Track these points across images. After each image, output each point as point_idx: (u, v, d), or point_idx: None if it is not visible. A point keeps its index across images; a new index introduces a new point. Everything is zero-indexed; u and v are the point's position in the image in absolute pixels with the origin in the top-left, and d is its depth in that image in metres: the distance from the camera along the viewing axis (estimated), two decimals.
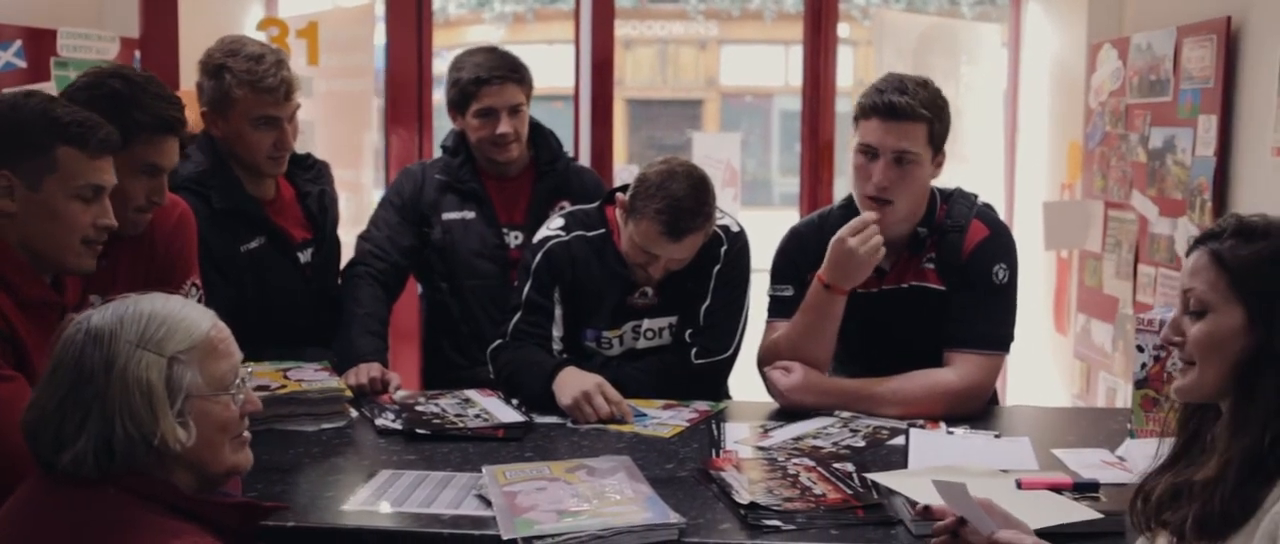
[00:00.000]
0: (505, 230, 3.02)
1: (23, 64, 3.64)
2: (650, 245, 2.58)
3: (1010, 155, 4.98)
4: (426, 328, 3.18)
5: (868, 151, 2.52)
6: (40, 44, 3.68)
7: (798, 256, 2.66)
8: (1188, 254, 1.63)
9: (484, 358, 2.78)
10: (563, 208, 3.00)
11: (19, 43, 3.64)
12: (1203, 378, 1.58)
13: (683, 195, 2.54)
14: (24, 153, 1.93)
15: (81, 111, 1.99)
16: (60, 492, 1.49)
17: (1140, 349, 2.35)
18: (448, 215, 3.01)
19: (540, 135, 3.10)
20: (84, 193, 1.97)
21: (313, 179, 2.93)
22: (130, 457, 1.48)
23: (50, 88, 3.61)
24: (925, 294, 2.61)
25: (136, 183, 2.21)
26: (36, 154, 1.93)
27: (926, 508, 1.82)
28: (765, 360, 2.65)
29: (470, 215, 3.01)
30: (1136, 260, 3.87)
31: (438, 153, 3.17)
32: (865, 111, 2.52)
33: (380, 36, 4.58)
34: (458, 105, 2.99)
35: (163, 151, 2.24)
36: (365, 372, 2.71)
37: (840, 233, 2.50)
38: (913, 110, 2.48)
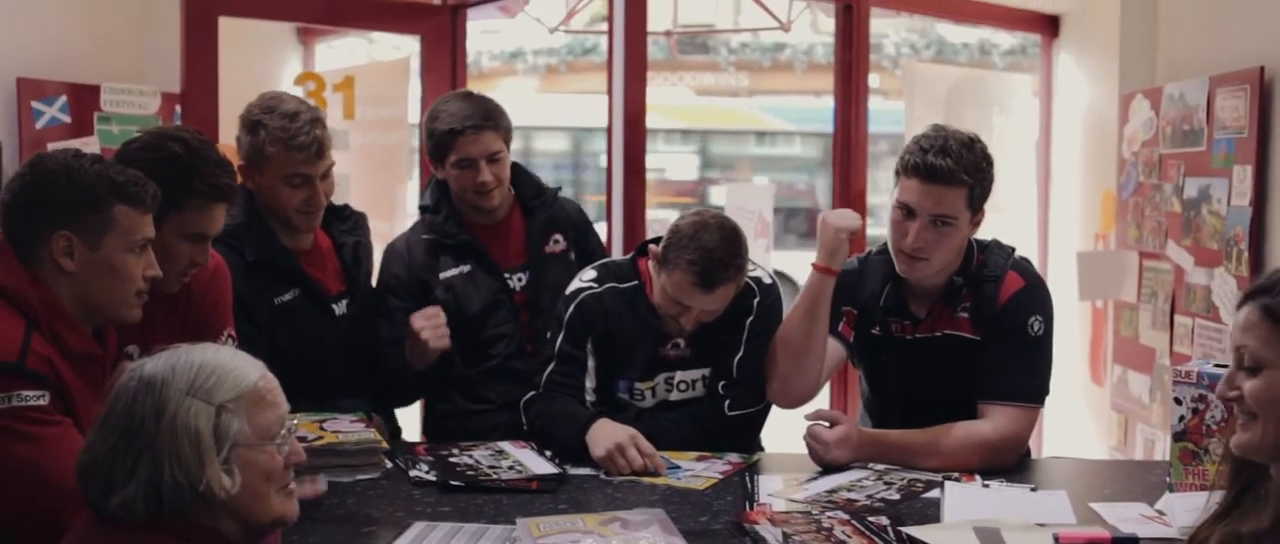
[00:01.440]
0: (507, 275, 2.96)
1: (67, 119, 3.72)
2: (683, 296, 2.59)
3: (1043, 205, 4.96)
4: (434, 382, 3.03)
5: (906, 210, 2.52)
6: (84, 99, 3.76)
7: (837, 295, 2.65)
8: (1238, 309, 1.61)
9: (500, 401, 2.78)
10: (557, 241, 3.01)
11: (64, 98, 3.71)
12: (1265, 434, 1.55)
13: (715, 246, 2.54)
14: (84, 214, 2.01)
15: (130, 170, 2.06)
16: (110, 535, 1.51)
17: (1178, 401, 2.32)
18: (445, 274, 2.93)
19: (519, 174, 3.03)
20: (137, 246, 2.05)
21: (349, 230, 2.95)
22: (177, 503, 1.50)
23: (93, 142, 3.68)
24: (959, 343, 2.60)
25: (182, 246, 2.27)
26: (96, 214, 2.01)
27: None
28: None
29: (467, 269, 2.94)
30: (1173, 311, 3.84)
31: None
32: (907, 169, 2.51)
33: (415, 89, 4.63)
34: (435, 156, 2.92)
35: (212, 219, 2.30)
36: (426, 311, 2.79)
37: (823, 215, 2.61)
38: (953, 176, 2.47)
